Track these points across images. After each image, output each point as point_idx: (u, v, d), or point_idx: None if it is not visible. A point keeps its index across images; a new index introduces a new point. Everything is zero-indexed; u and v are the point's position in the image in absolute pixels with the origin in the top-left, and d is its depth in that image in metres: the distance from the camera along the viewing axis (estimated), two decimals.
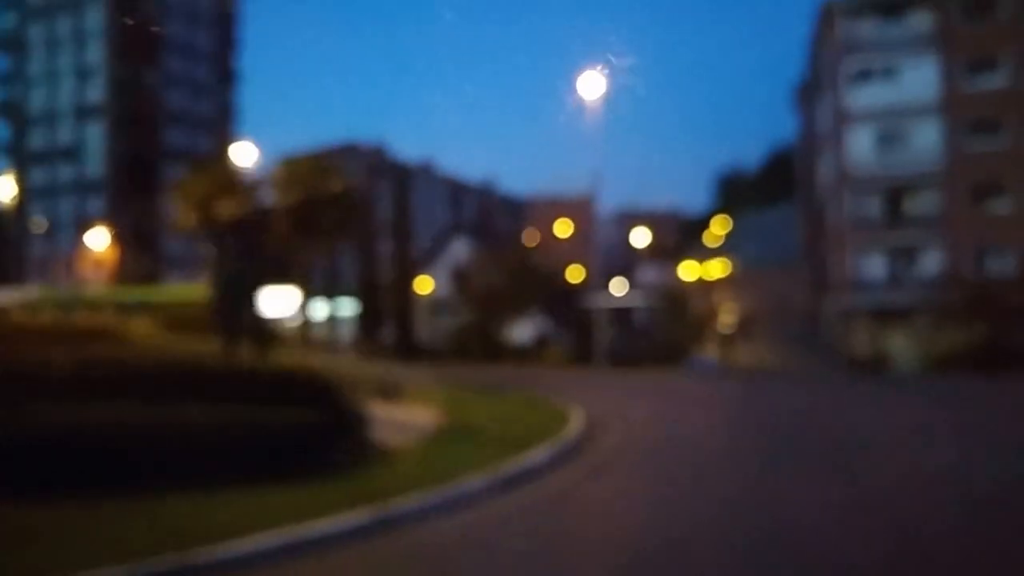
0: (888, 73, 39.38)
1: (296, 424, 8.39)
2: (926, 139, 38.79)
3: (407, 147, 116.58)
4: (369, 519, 6.70)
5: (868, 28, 40.02)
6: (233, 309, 17.47)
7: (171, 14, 65.59)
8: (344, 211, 21.35)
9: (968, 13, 38.23)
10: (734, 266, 56.84)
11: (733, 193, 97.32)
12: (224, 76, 69.67)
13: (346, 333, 51.44)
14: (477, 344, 41.91)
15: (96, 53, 63.54)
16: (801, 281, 56.09)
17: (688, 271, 53.10)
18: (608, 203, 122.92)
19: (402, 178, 54.78)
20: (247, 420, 8.18)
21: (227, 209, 18.28)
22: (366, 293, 48.39)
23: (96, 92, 63.56)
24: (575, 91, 32.93)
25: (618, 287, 61.39)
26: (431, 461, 9.33)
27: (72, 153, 64.07)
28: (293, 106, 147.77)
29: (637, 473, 10.10)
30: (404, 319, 48.16)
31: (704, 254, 60.24)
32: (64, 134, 64.76)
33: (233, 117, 69.91)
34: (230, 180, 21.15)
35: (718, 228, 70.12)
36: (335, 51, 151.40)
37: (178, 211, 21.46)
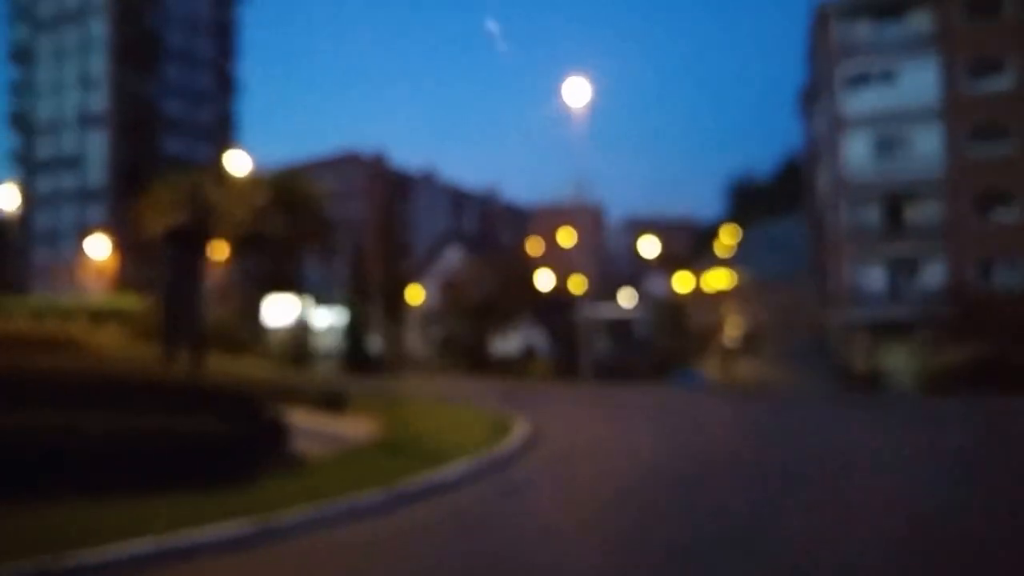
0: (886, 76, 37.65)
1: (207, 433, 8.53)
2: (927, 145, 36.97)
3: (412, 156, 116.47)
4: (249, 530, 6.73)
5: (864, 30, 38.37)
6: (174, 317, 16.88)
7: (172, 24, 65.93)
8: (308, 223, 20.42)
9: (970, 12, 36.35)
10: (743, 277, 55.08)
11: (746, 202, 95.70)
12: (224, 85, 69.78)
13: (337, 343, 50.89)
14: (461, 356, 40.90)
15: (99, 63, 63.97)
16: (810, 294, 54.29)
17: (682, 282, 51.49)
18: (621, 211, 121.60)
19: (392, 186, 54.22)
20: (155, 428, 8.33)
21: (171, 217, 17.71)
22: (355, 303, 47.68)
23: (99, 101, 63.91)
24: (581, 98, 32.13)
25: (626, 298, 60.10)
26: (341, 473, 9.20)
27: (75, 161, 64.47)
28: (296, 115, 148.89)
29: (553, 494, 9.37)
30: (391, 329, 47.39)
31: (715, 264, 58.60)
32: (68, 143, 65.28)
33: (233, 125, 70.03)
34: (197, 189, 20.36)
35: (727, 238, 68.42)
36: (338, 60, 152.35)
37: (144, 218, 20.98)
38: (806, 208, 58.76)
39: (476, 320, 42.92)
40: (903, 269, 37.72)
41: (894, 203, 37.88)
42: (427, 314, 48.14)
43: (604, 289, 61.47)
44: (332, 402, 13.48)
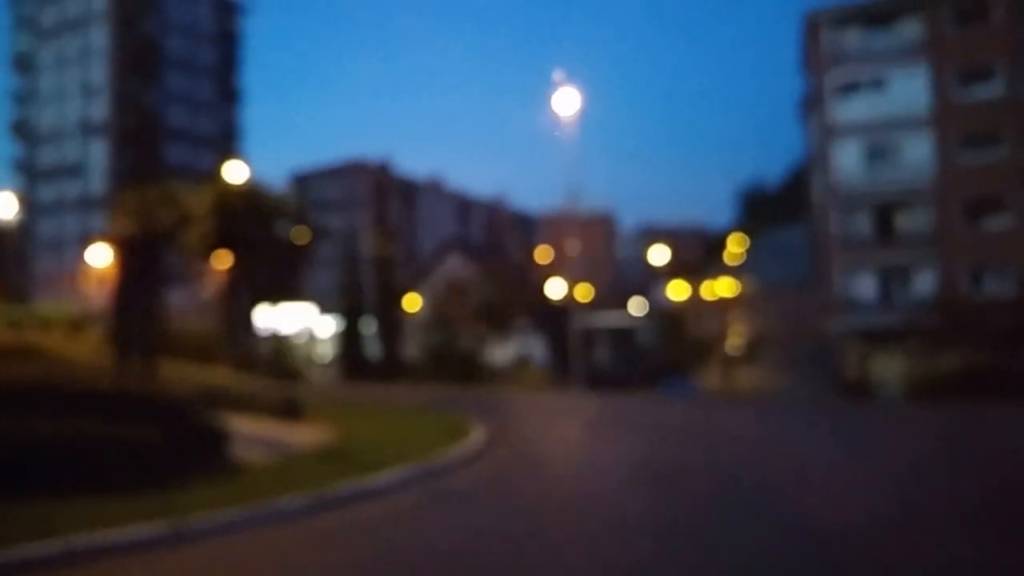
0: (876, 85, 37.68)
1: (137, 439, 8.64)
2: (917, 153, 36.96)
3: (421, 164, 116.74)
4: (162, 532, 6.82)
5: (854, 38, 38.41)
6: (127, 325, 17.12)
7: (174, 33, 66.50)
8: (283, 231, 20.56)
9: (959, 20, 36.38)
10: (749, 285, 54.97)
11: (756, 209, 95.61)
12: (227, 93, 70.27)
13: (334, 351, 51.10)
14: (452, 364, 40.96)
15: (101, 71, 64.52)
16: (814, 302, 54.17)
17: (677, 291, 51.48)
18: (634, 219, 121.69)
19: (386, 193, 54.42)
20: (82, 433, 8.38)
21: (123, 227, 17.84)
22: (350, 312, 47.90)
23: (100, 110, 64.46)
24: (571, 107, 32.30)
25: (636, 306, 60.02)
26: (272, 479, 9.23)
27: (77, 170, 65.00)
28: (303, 124, 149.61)
29: (488, 504, 9.27)
30: (387, 338, 47.51)
31: (724, 272, 58.52)
32: (69, 151, 65.79)
33: (237, 135, 70.45)
34: (169, 196, 20.61)
35: (735, 246, 68.25)
36: (344, 70, 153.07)
37: (115, 223, 21.22)
38: (808, 216, 58.76)
39: (471, 328, 42.93)
40: (895, 277, 37.67)
41: (885, 211, 37.86)
42: (423, 322, 48.28)
43: (615, 297, 61.50)
44: (288, 410, 13.57)
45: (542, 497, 9.69)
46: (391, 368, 44.64)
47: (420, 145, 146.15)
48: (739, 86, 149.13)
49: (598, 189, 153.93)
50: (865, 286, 38.18)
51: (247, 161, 36.07)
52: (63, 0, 66.40)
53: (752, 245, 69.58)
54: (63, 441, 8.11)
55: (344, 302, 48.31)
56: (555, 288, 44.97)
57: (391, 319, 47.95)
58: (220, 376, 15.49)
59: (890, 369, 35.65)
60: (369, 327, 48.18)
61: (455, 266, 52.90)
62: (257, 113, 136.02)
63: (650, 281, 66.61)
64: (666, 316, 53.78)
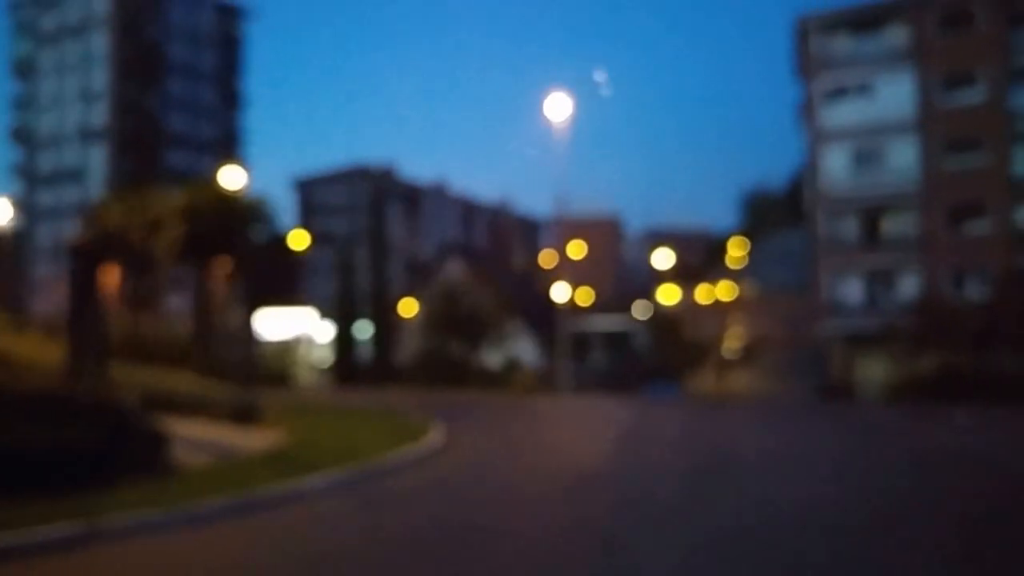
0: (863, 90, 37.87)
1: (68, 442, 8.71)
2: (903, 158, 37.13)
3: (425, 169, 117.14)
4: (77, 532, 6.91)
5: (842, 44, 38.62)
6: (79, 331, 17.37)
7: (175, 38, 66.96)
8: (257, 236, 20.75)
9: (944, 26, 36.56)
10: (748, 289, 55.06)
11: (760, 213, 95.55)
12: (229, 99, 70.65)
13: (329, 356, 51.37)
14: (444, 368, 41.23)
15: (101, 77, 65.03)
16: (809, 306, 54.22)
17: (669, 295, 51.70)
18: (640, 223, 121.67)
19: (383, 197, 54.85)
20: (26, 437, 8.47)
21: (80, 234, 18.18)
22: (344, 317, 48.23)
23: (100, 115, 64.99)
24: (562, 112, 32.68)
25: (639, 309, 60.09)
26: (205, 482, 9.31)
27: (76, 175, 65.46)
28: (306, 129, 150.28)
29: (418, 507, 9.36)
30: (381, 343, 47.85)
31: (725, 276, 58.61)
32: (69, 156, 66.26)
33: (239, 140, 70.79)
34: (140, 202, 20.95)
35: (736, 249, 68.27)
36: (349, 74, 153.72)
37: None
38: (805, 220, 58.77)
39: (463, 332, 43.12)
40: (880, 280, 37.87)
41: (871, 215, 38.05)
42: (418, 327, 48.60)
43: (620, 301, 61.57)
44: (245, 415, 13.84)
45: (478, 500, 9.85)
46: (383, 373, 44.93)
47: (425, 150, 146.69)
48: (746, 91, 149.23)
49: (606, 193, 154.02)
50: (852, 290, 38.39)
51: (247, 166, 36.54)
52: (64, 5, 66.88)
53: (753, 249, 69.57)
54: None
55: (339, 307, 48.64)
56: (558, 292, 45.24)
57: (386, 324, 48.29)
58: (181, 381, 15.75)
59: (873, 371, 35.86)
60: (364, 332, 48.52)
61: (455, 271, 53.16)
62: (260, 118, 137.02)
63: (655, 285, 66.72)
64: (661, 320, 53.89)
